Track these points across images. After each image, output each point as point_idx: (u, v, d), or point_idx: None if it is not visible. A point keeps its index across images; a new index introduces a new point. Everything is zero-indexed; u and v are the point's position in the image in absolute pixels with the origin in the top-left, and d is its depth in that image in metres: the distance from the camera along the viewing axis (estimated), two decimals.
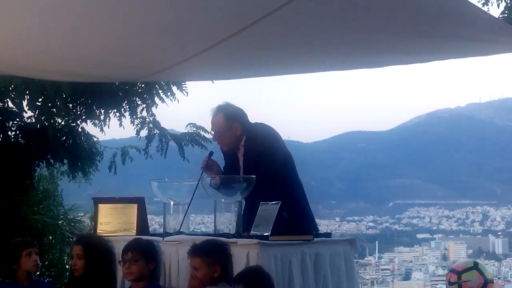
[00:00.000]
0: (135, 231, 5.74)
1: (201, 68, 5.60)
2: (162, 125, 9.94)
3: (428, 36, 4.30)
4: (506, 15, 8.43)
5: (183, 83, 9.47)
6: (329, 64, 5.46)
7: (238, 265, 4.89)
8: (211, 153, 6.04)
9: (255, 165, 5.76)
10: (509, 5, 8.60)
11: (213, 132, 6.21)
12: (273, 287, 4.54)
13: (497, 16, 7.84)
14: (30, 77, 7.70)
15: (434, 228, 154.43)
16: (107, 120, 9.61)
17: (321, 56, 4.96)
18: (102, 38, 4.56)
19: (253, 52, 4.83)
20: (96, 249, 5.62)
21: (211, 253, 4.90)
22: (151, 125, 9.87)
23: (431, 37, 4.33)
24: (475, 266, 6.52)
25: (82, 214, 11.38)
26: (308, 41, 4.50)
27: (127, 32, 4.45)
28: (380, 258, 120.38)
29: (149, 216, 6.04)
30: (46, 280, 8.95)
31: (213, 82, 8.68)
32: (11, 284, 5.88)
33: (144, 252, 5.34)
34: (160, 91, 9.55)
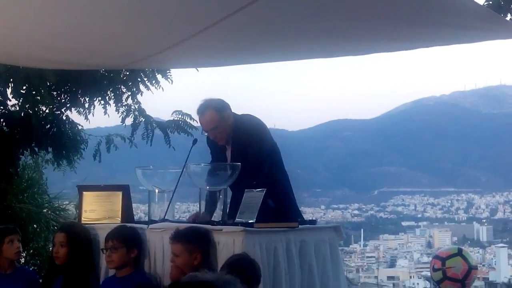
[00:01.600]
0: (120, 219, 5.74)
1: (185, 55, 5.59)
2: (148, 113, 9.92)
3: (412, 23, 4.31)
4: (490, 2, 8.45)
5: (167, 71, 9.45)
6: (313, 52, 5.46)
7: (223, 253, 4.90)
8: (195, 141, 6.03)
9: (243, 156, 5.77)
10: None
11: (206, 132, 6.14)
12: (259, 274, 4.55)
13: (481, 3, 7.86)
14: (14, 65, 7.66)
15: (419, 215, 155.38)
16: (92, 108, 9.58)
17: (306, 43, 4.96)
18: (86, 25, 4.54)
19: (237, 39, 4.82)
20: (79, 237, 5.62)
21: (192, 240, 4.92)
22: (136, 113, 9.85)
23: (416, 24, 4.33)
24: (459, 253, 6.57)
25: (67, 202, 11.34)
26: (292, 28, 4.49)
27: (111, 19, 4.43)
28: (365, 245, 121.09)
29: (134, 205, 6.03)
30: (31, 269, 8.93)
31: (197, 70, 8.67)
32: None
33: (125, 239, 5.34)
34: (145, 79, 9.52)
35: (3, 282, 5.81)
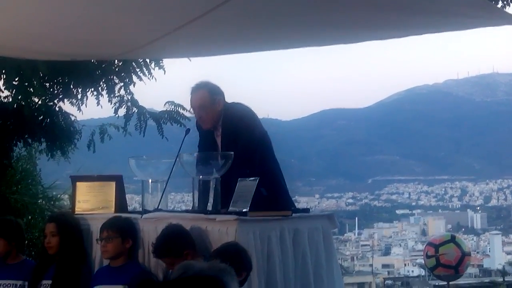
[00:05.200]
0: (113, 209, 5.75)
1: (177, 45, 5.59)
2: (140, 103, 9.90)
3: (403, 10, 4.31)
4: None
5: (160, 61, 9.43)
6: (306, 40, 5.47)
7: (217, 242, 4.91)
8: (187, 131, 6.04)
9: (234, 145, 5.78)
10: None
11: (192, 111, 6.17)
12: (250, 262, 4.57)
13: None
14: (6, 56, 7.64)
15: (413, 203, 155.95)
16: (85, 99, 9.55)
17: (298, 32, 4.96)
18: (77, 15, 4.53)
19: (229, 28, 4.82)
20: (70, 226, 5.64)
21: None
22: (129, 104, 9.82)
23: (407, 11, 4.34)
24: (452, 239, 6.61)
25: (62, 192, 11.35)
26: (284, 17, 4.50)
27: (103, 9, 4.42)
28: (360, 234, 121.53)
29: (128, 195, 6.04)
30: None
31: (190, 60, 8.66)
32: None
33: (120, 230, 5.36)
34: (137, 70, 9.50)
35: (8, 272, 5.83)
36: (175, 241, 4.93)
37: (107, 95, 9.60)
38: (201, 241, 5.08)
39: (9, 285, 5.78)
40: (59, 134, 9.65)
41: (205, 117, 6.00)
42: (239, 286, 4.52)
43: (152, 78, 9.54)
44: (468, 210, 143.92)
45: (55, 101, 9.54)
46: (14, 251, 5.89)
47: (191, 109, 6.20)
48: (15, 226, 5.98)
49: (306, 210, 5.84)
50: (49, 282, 5.55)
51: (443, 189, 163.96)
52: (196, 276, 1.83)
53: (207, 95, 5.94)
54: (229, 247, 4.57)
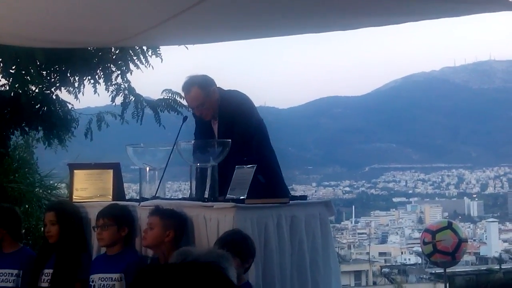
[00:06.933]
0: (111, 197, 5.76)
1: (174, 32, 5.58)
2: (137, 91, 9.91)
3: None
4: None
5: (157, 48, 9.43)
6: (302, 27, 5.46)
7: (214, 229, 4.92)
8: (185, 118, 6.04)
9: (230, 132, 5.79)
10: None
11: (192, 109, 6.19)
12: (253, 249, 4.58)
13: None
14: (3, 44, 7.63)
15: (410, 191, 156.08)
16: (82, 87, 9.55)
17: (294, 18, 4.95)
18: (74, 2, 4.53)
19: (226, 15, 4.81)
20: (69, 214, 5.64)
21: (170, 217, 5.08)
22: (126, 92, 9.83)
23: None
24: (449, 226, 6.63)
25: (59, 181, 11.34)
26: (282, 3, 4.49)
27: None
28: (356, 222, 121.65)
29: (126, 184, 6.05)
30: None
31: (187, 48, 8.66)
32: None
33: (116, 218, 5.36)
34: (134, 58, 9.49)
35: (3, 261, 5.81)
36: (175, 212, 5.10)
37: (104, 83, 9.60)
38: (198, 228, 5.09)
39: (4, 274, 5.75)
40: (56, 123, 9.65)
41: (205, 111, 6.02)
42: (244, 273, 4.55)
43: (149, 66, 9.54)
44: (465, 198, 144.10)
45: (52, 89, 9.54)
46: (8, 238, 5.84)
47: (189, 109, 6.24)
48: (7, 213, 5.93)
49: (303, 197, 5.85)
50: (50, 271, 5.54)
51: (440, 177, 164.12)
52: (196, 262, 1.84)
53: (200, 92, 5.95)
54: (235, 235, 4.57)
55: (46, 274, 5.57)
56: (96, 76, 9.54)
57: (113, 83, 9.71)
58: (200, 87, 5.95)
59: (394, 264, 72.87)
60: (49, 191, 11.01)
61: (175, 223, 5.06)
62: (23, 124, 9.58)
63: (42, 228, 5.89)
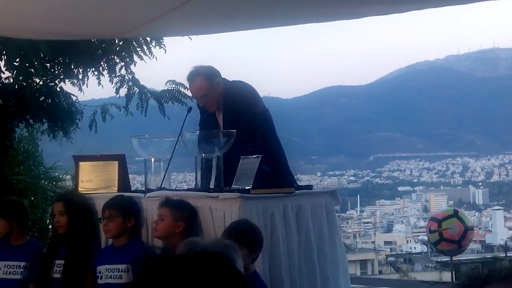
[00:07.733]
0: (116, 188, 5.77)
1: (177, 23, 5.58)
2: (142, 83, 9.90)
3: None
4: None
5: (161, 40, 9.41)
6: (306, 16, 5.45)
7: (220, 220, 4.93)
8: (189, 109, 6.04)
9: (235, 122, 5.78)
10: None
11: (195, 100, 6.18)
12: (260, 239, 4.58)
13: None
14: (7, 37, 7.63)
15: (415, 180, 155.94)
16: (86, 79, 9.54)
17: (298, 8, 4.95)
18: None
19: (229, 5, 4.81)
20: (78, 204, 5.65)
21: (181, 208, 5.07)
22: (130, 83, 9.81)
23: None
24: (455, 214, 6.61)
25: (64, 173, 11.34)
26: None
27: None
28: (362, 211, 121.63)
29: (131, 176, 6.06)
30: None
31: (190, 39, 8.65)
32: (3, 244, 5.87)
33: (122, 209, 5.37)
34: (138, 49, 9.48)
35: (11, 253, 5.82)
36: (186, 203, 5.11)
37: (108, 75, 9.59)
38: (204, 219, 5.10)
39: (12, 266, 5.77)
40: (61, 115, 9.64)
41: (210, 102, 6.01)
42: (252, 263, 4.55)
43: (153, 57, 9.53)
44: (470, 186, 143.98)
45: (56, 81, 9.53)
46: (16, 231, 5.84)
47: (194, 99, 6.23)
48: (16, 205, 5.93)
49: (309, 187, 5.86)
50: (62, 262, 5.56)
51: (445, 166, 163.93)
52: (203, 253, 1.83)
53: (205, 82, 5.93)
54: (243, 225, 4.57)
55: (57, 265, 5.59)
56: (100, 68, 9.52)
57: (117, 74, 9.70)
58: (205, 78, 5.94)
59: (399, 253, 72.88)
60: (54, 183, 11.02)
61: (186, 215, 5.07)
62: (28, 117, 9.58)
63: (50, 220, 5.89)
